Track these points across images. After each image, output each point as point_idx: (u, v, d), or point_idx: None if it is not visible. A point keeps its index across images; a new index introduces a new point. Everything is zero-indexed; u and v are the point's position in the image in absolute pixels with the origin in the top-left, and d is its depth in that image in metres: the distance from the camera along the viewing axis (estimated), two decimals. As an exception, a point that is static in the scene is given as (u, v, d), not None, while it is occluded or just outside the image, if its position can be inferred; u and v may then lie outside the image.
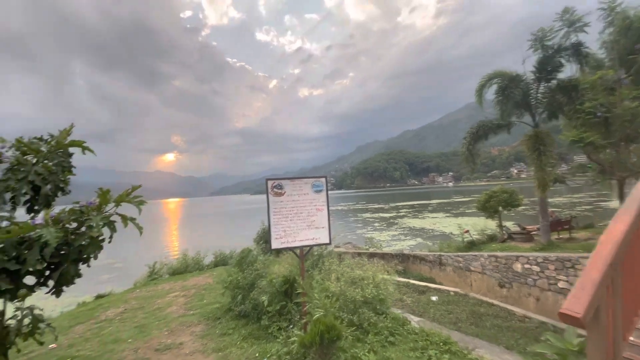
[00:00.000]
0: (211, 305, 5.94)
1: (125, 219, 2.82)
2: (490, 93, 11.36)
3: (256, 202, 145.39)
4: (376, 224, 34.43)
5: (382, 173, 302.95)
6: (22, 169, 2.97)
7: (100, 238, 2.68)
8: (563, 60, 9.79)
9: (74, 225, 2.75)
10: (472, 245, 12.77)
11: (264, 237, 13.88)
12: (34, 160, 3.17)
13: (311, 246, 4.07)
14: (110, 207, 2.89)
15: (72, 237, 2.66)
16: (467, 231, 14.09)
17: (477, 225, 16.37)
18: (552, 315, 6.69)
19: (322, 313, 3.09)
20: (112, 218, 2.83)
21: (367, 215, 44.99)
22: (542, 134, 10.17)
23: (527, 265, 8.49)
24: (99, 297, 9.05)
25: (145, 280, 10.95)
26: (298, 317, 4.29)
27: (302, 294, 3.75)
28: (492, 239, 13.17)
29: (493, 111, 11.47)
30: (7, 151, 3.09)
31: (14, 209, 2.91)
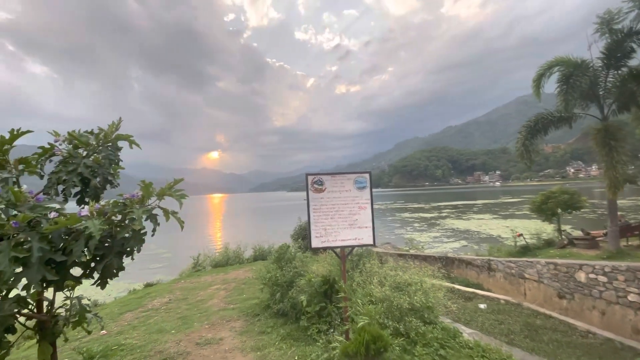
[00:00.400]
0: (250, 301, 5.93)
1: (167, 212, 2.73)
2: (550, 83, 10.19)
3: (293, 198, 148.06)
4: (416, 224, 33.09)
5: (422, 171, 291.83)
6: (72, 162, 3.05)
7: (143, 231, 2.63)
8: (634, 46, 8.53)
9: (119, 217, 2.72)
10: (525, 250, 11.68)
11: (301, 234, 13.95)
12: (84, 154, 3.23)
13: (353, 247, 3.80)
14: (152, 200, 2.84)
15: (117, 229, 2.64)
16: (521, 235, 12.88)
17: (530, 228, 14.89)
18: (620, 331, 5.99)
19: (366, 321, 2.80)
20: (154, 211, 2.75)
21: (406, 215, 43.47)
22: (613, 127, 8.89)
23: (592, 275, 7.64)
24: (148, 285, 9.61)
25: (189, 271, 11.48)
26: (338, 320, 4.04)
27: (343, 299, 3.49)
28: (549, 244, 11.93)
29: (545, 105, 10.32)
30: (60, 144, 3.21)
31: (65, 200, 2.99)
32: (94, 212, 2.50)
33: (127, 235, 2.63)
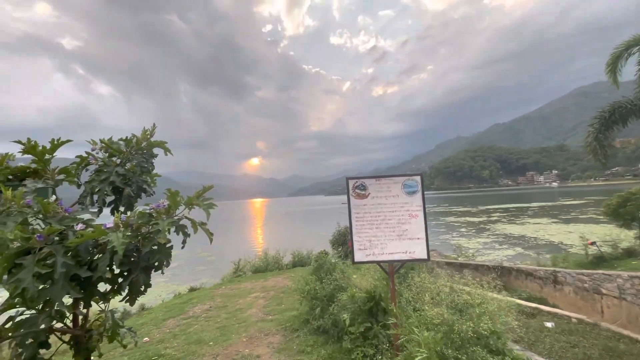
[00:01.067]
0: (289, 312, 5.65)
1: (194, 223, 2.45)
2: (630, 66, 8.69)
3: (331, 202, 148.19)
4: (463, 229, 30.96)
5: (467, 172, 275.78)
6: (105, 170, 2.95)
7: (169, 245, 2.39)
8: None
9: (147, 229, 2.51)
10: (600, 261, 10.11)
11: (341, 240, 13.67)
12: (118, 162, 3.11)
13: (403, 262, 3.31)
14: (181, 210, 2.60)
15: (144, 242, 2.42)
16: (593, 243, 11.19)
17: (599, 234, 12.96)
18: None
19: (425, 355, 2.29)
20: (182, 222, 2.50)
21: (452, 219, 40.99)
22: None
23: (689, 292, 6.30)
24: (191, 290, 9.84)
25: (230, 277, 11.65)
26: (387, 344, 3.53)
27: (393, 325, 3.00)
28: (629, 254, 10.24)
29: (612, 96, 8.79)
30: (97, 153, 3.15)
31: (100, 210, 2.88)
32: (120, 224, 2.30)
33: (154, 248, 2.41)
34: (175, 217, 2.51)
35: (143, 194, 3.12)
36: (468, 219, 39.90)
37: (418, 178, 3.50)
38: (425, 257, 3.38)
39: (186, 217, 2.52)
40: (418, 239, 3.39)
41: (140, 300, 8.98)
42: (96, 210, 2.87)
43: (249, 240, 33.14)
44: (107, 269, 2.24)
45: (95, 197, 2.96)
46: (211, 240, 2.52)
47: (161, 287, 15.49)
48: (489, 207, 56.09)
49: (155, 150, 3.15)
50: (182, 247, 2.53)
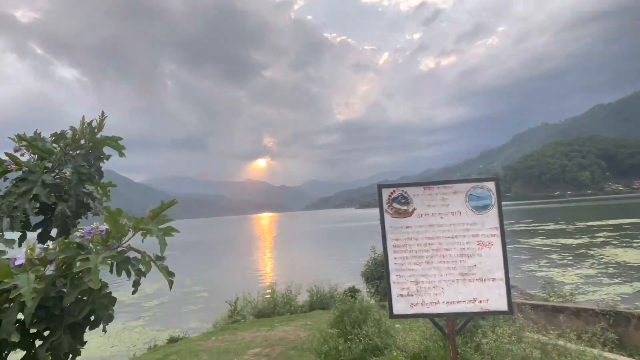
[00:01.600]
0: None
1: (145, 258, 2.21)
2: None
3: (364, 217, 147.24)
4: (554, 256, 29.53)
5: (558, 174, 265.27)
6: (29, 179, 2.79)
7: (106, 292, 2.16)
8: None
9: (76, 266, 2.29)
10: None
11: (377, 272, 13.77)
12: (51, 166, 2.95)
13: (471, 315, 2.95)
14: (128, 238, 2.37)
15: (71, 286, 2.20)
16: None
17: None
18: None
19: None
20: (129, 255, 2.27)
21: (537, 240, 39.30)
22: None
23: None
24: (171, 340, 9.79)
25: (225, 322, 11.60)
26: None
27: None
28: None
29: None
30: (22, 155, 3.01)
31: (23, 236, 2.72)
32: (34, 260, 2.09)
33: (83, 298, 2.18)
34: (118, 248, 2.27)
35: (91, 213, 2.93)
36: (561, 240, 38.10)
37: (492, 185, 3.13)
38: (505, 308, 3.01)
39: (133, 249, 2.29)
40: (493, 280, 3.03)
41: (108, 348, 8.99)
42: (17, 237, 2.69)
43: (252, 269, 33.35)
44: (16, 326, 2.02)
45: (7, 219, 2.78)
46: (171, 285, 2.30)
47: (136, 333, 15.73)
48: (591, 223, 53.40)
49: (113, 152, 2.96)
50: (133, 293, 2.33)
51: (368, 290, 13.50)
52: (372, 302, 10.10)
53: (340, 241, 56.14)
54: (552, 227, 52.77)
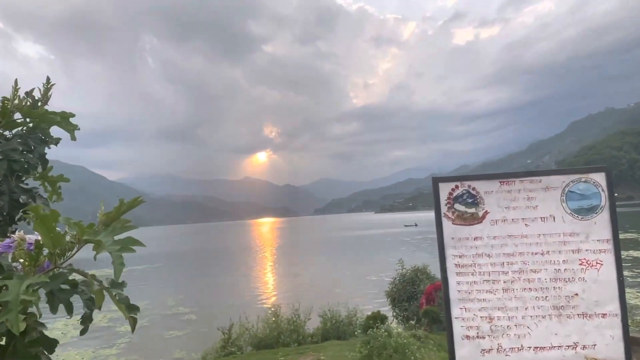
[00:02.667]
0: None
1: (93, 285, 1.83)
2: None
3: (385, 224, 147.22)
4: (626, 272, 28.65)
5: (626, 171, 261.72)
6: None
7: (33, 338, 1.74)
8: None
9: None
10: None
11: (405, 291, 13.67)
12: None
13: None
14: (70, 255, 1.95)
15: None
16: None
17: None
18: None
19: None
20: (70, 279, 1.88)
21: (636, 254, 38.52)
22: None
23: None
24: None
25: (216, 353, 11.54)
26: None
27: None
28: None
29: None
30: None
31: None
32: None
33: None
34: (55, 270, 1.86)
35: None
36: (633, 253, 37.19)
37: (601, 177, 2.76)
38: (622, 356, 2.61)
39: (77, 271, 1.89)
40: (603, 315, 2.71)
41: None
42: None
43: (250, 288, 33.29)
44: None
45: None
46: (133, 325, 1.88)
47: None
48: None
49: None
50: (82, 333, 1.91)
51: (395, 314, 13.31)
52: (403, 332, 9.68)
53: (357, 253, 55.90)
54: (625, 235, 51.85)
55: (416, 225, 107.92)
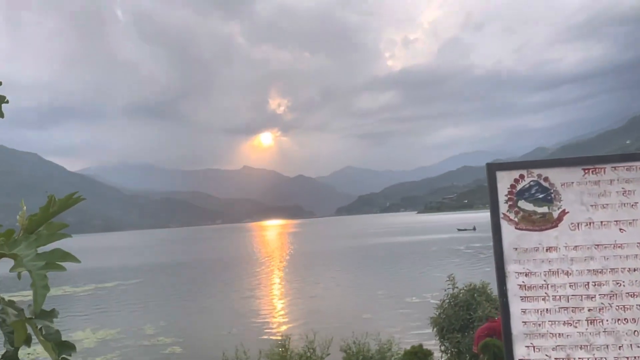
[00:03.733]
0: None
1: (8, 315, 1.80)
2: None
3: (432, 228, 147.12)
4: None
5: None
6: None
7: None
8: None
9: None
10: None
11: (456, 318, 13.72)
12: None
13: None
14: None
15: None
16: None
17: None
18: None
19: None
20: None
21: None
22: None
23: None
24: None
25: None
26: None
27: None
28: None
29: None
30: None
31: None
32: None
33: None
34: None
35: None
36: None
37: None
38: None
39: None
40: None
41: None
42: None
43: (251, 311, 33.81)
44: None
45: None
46: None
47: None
48: None
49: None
50: None
51: (443, 349, 13.25)
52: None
53: (393, 267, 56.29)
54: None
55: (474, 229, 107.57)
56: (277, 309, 35.18)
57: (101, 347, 24.34)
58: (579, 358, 2.76)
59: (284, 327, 26.77)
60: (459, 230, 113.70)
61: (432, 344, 13.43)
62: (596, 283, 2.80)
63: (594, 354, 2.74)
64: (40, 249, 1.73)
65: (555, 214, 2.91)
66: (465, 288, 13.52)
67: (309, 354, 12.62)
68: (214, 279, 55.95)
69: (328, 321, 25.13)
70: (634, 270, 2.81)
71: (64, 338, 1.85)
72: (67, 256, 1.73)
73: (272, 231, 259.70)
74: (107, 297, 42.74)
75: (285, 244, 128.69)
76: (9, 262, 1.71)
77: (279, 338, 14.45)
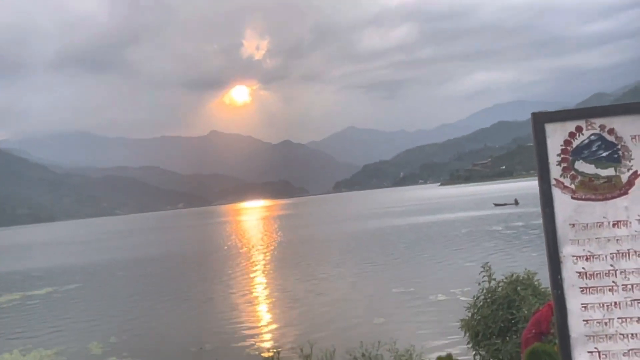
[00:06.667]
0: None
1: None
2: None
3: (459, 203, 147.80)
4: None
5: None
6: None
7: None
8: None
9: None
10: None
11: (495, 320, 13.41)
12: None
13: None
14: None
15: None
16: None
17: None
18: None
19: None
20: None
21: None
22: None
23: None
24: None
25: None
26: None
27: None
28: None
29: None
30: None
31: None
32: None
33: None
34: None
35: None
36: None
37: None
38: None
39: None
40: None
41: None
42: None
43: (229, 317, 33.92)
44: None
45: None
46: None
47: None
48: None
49: None
50: None
51: (479, 358, 13.39)
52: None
53: (410, 256, 56.34)
54: None
55: (516, 203, 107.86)
56: (261, 314, 35.35)
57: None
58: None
59: (271, 338, 27.04)
60: (496, 205, 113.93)
61: (463, 352, 13.54)
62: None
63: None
64: None
65: (625, 177, 2.91)
66: (505, 280, 13.50)
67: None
68: (177, 280, 56.00)
69: (329, 328, 25.25)
70: None
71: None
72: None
73: (252, 215, 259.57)
74: (38, 308, 42.74)
75: (269, 231, 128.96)
76: None
77: (266, 351, 14.55)
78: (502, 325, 12.68)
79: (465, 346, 13.61)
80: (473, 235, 65.39)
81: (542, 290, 12.79)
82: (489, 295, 13.30)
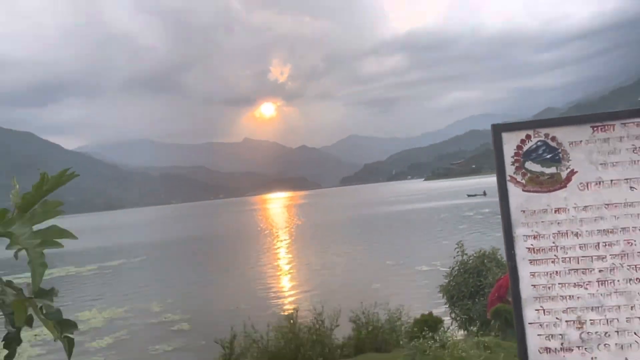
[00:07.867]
0: None
1: (7, 295, 1.88)
2: None
3: (440, 194, 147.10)
4: None
5: None
6: None
7: None
8: None
9: None
10: None
11: (467, 287, 13.43)
12: None
13: None
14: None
15: None
16: None
17: None
18: None
19: None
20: None
21: None
22: None
23: None
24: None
25: None
26: None
27: None
28: None
29: None
30: None
31: None
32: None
33: None
34: None
35: None
36: None
37: None
38: None
39: None
40: None
41: None
42: None
43: (258, 285, 34.01)
44: None
45: None
46: (69, 352, 1.97)
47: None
48: None
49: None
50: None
51: (453, 316, 13.40)
52: (463, 340, 9.70)
53: (401, 236, 56.32)
54: None
55: (484, 194, 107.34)
56: (284, 282, 35.45)
57: (108, 326, 24.58)
58: (590, 319, 2.75)
59: (292, 300, 27.16)
60: (469, 195, 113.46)
61: (442, 311, 13.55)
62: (607, 243, 2.78)
63: (605, 315, 2.73)
64: (36, 227, 1.76)
65: (564, 174, 2.88)
66: (475, 255, 13.59)
67: (317, 326, 12.66)
68: (220, 254, 56.34)
69: (336, 292, 25.29)
70: (646, 230, 2.80)
71: (71, 318, 1.88)
72: (64, 233, 1.76)
73: (277, 204, 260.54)
74: (112, 276, 43.17)
75: (290, 216, 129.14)
76: (5, 244, 1.73)
77: (286, 308, 14.57)
78: (472, 290, 12.91)
79: (444, 306, 13.81)
80: (450, 220, 65.34)
81: (504, 262, 12.83)
82: (462, 266, 13.56)
